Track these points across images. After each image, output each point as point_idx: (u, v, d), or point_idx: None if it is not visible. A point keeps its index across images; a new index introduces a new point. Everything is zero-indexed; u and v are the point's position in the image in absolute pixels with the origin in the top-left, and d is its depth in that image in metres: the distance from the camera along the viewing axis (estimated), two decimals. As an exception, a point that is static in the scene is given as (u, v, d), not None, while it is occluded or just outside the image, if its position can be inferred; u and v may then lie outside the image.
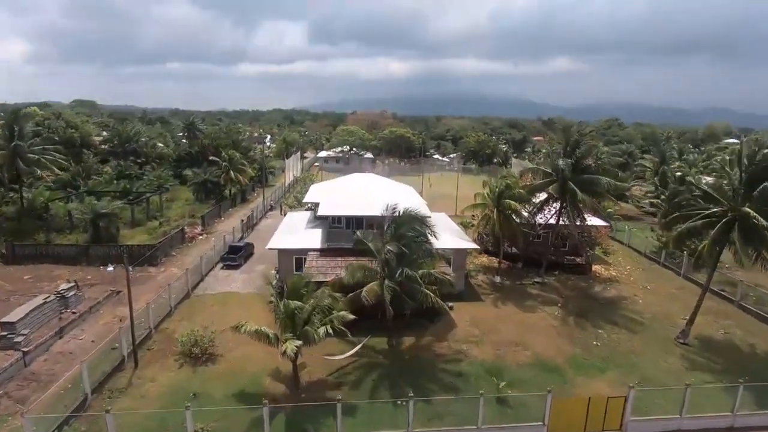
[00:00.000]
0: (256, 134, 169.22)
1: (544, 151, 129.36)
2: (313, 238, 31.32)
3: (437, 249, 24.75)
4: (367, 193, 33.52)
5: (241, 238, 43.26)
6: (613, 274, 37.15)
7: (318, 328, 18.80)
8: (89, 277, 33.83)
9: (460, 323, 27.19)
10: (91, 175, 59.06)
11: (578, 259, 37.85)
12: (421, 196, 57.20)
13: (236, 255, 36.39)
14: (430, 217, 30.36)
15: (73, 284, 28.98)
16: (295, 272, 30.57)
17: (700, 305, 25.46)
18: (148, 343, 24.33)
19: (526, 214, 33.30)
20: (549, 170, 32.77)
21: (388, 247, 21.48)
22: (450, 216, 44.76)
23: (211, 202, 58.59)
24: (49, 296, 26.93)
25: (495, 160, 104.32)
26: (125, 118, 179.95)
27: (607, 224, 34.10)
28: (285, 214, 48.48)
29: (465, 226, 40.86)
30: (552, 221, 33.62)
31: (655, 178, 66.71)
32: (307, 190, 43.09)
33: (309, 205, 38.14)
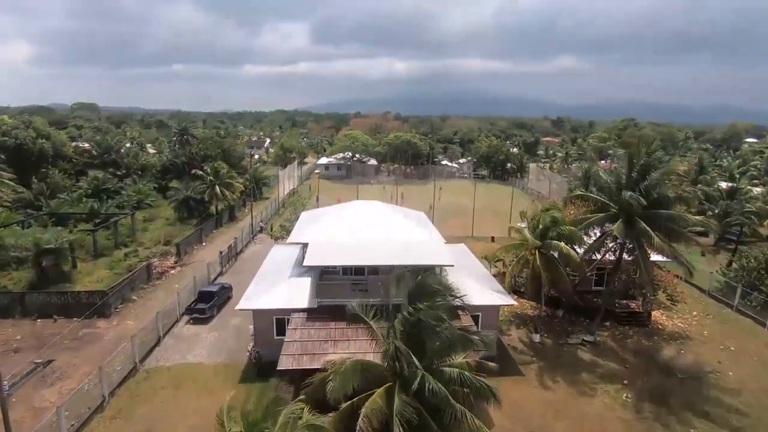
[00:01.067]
0: (255, 138, 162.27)
1: (560, 154, 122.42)
2: (300, 292, 23.95)
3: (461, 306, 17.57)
4: (368, 230, 26.16)
5: (219, 276, 35.96)
6: (680, 325, 29.62)
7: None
8: (18, 337, 26.71)
9: (497, 417, 19.72)
10: (56, 193, 51.84)
11: (633, 305, 30.43)
12: (432, 210, 50.50)
13: (207, 304, 28.94)
14: (452, 265, 23.25)
15: (-21, 361, 21.84)
16: (276, 336, 23.48)
17: None
18: (56, 468, 17.09)
19: (576, 255, 25.74)
20: (605, 199, 25.26)
21: (398, 344, 14.16)
22: (466, 238, 37.80)
23: (194, 221, 51.53)
24: (-64, 384, 19.75)
25: (509, 165, 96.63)
26: (123, 121, 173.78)
27: (683, 264, 25.09)
28: (276, 240, 41.47)
29: (489, 260, 33.49)
30: (603, 257, 26.27)
31: (697, 190, 59.05)
32: (297, 217, 35.86)
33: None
